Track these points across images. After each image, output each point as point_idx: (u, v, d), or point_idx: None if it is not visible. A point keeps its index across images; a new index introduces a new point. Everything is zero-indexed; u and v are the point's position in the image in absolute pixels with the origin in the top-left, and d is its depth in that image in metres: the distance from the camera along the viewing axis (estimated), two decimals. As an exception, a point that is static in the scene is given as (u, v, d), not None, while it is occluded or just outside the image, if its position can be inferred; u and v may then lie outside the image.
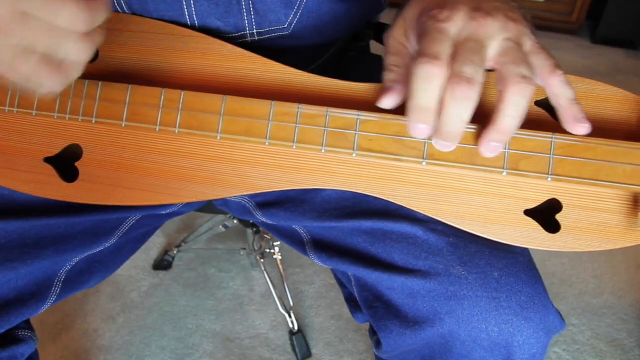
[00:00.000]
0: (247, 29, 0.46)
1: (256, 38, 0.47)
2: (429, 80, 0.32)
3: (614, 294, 1.16)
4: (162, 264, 1.18)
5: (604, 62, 2.29)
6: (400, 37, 0.38)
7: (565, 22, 2.57)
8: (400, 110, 0.41)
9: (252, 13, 0.45)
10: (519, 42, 0.34)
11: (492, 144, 0.34)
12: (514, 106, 0.32)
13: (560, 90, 0.35)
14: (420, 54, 0.32)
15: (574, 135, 0.36)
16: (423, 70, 0.31)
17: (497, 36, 0.33)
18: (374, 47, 0.70)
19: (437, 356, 0.44)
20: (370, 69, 0.63)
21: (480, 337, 0.41)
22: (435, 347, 0.44)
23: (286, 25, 0.47)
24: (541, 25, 2.64)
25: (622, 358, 1.02)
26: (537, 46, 0.35)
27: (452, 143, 0.34)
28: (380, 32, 0.66)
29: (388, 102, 0.37)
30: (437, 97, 0.32)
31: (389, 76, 0.38)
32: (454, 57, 0.32)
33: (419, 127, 0.33)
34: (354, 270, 0.47)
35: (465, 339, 0.42)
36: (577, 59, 2.34)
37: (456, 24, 0.33)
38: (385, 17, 0.66)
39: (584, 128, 0.35)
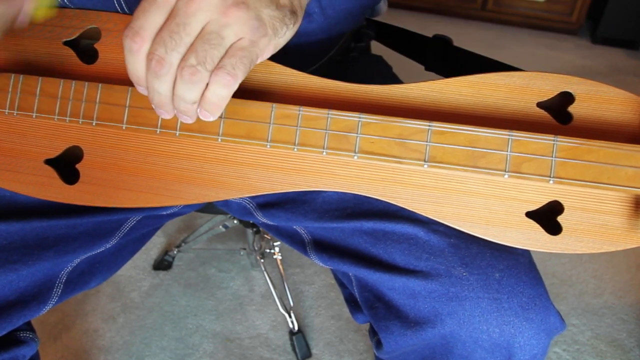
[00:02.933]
0: None
1: None
2: (134, 55, 0.33)
3: (614, 294, 1.16)
4: (162, 264, 1.18)
5: (604, 62, 2.29)
6: None
7: (565, 22, 2.57)
8: (403, 113, 0.41)
9: None
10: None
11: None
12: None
13: None
14: (127, 26, 0.33)
15: (576, 137, 0.36)
16: (126, 44, 0.33)
17: None
18: (375, 47, 0.70)
19: (438, 357, 0.44)
20: (371, 70, 0.63)
21: (481, 338, 0.41)
22: (435, 347, 0.44)
23: None
24: (541, 25, 2.64)
25: (622, 358, 1.02)
26: None
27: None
28: (380, 32, 0.66)
29: None
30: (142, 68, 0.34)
31: None
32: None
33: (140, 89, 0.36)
34: (354, 271, 0.47)
35: (466, 340, 0.42)
36: (577, 59, 2.35)
37: None
38: (385, 17, 0.66)
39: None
